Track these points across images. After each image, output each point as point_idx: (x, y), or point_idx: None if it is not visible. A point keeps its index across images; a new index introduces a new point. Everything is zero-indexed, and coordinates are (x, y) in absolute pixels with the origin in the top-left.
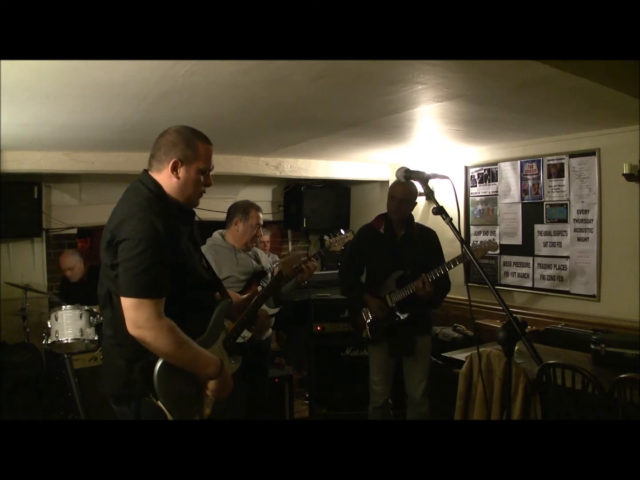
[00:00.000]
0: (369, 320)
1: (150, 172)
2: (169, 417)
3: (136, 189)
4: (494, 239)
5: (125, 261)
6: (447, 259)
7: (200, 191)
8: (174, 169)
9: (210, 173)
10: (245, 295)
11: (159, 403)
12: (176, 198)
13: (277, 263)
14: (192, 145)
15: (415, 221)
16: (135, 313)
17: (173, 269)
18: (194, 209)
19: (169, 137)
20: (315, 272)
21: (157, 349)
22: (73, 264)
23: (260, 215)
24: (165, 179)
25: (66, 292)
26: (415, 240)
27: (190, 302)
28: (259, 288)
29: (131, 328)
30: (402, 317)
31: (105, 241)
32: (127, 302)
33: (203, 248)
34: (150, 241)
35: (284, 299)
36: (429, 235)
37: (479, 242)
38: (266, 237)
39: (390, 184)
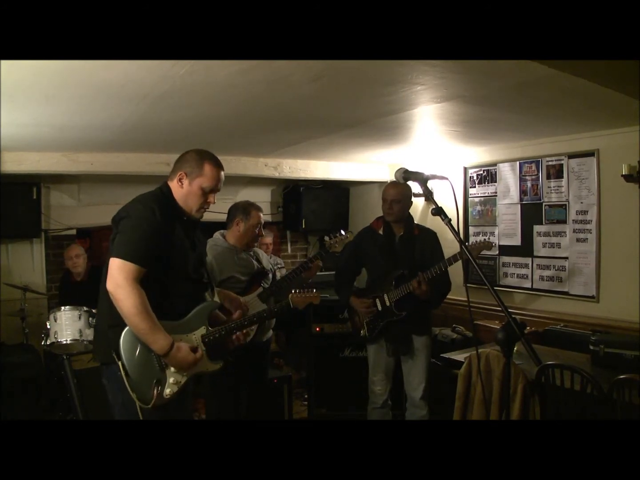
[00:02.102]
0: (366, 320)
1: (167, 181)
2: (124, 378)
3: (152, 190)
4: (488, 239)
5: (121, 232)
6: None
7: (201, 206)
8: (180, 179)
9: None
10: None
11: (119, 363)
12: (181, 205)
13: (282, 266)
14: (199, 163)
15: (416, 222)
16: (117, 272)
17: (162, 256)
18: (200, 220)
19: (186, 154)
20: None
21: (122, 308)
22: (79, 252)
23: (261, 215)
24: (174, 187)
25: (66, 291)
26: (413, 241)
27: (174, 292)
28: (260, 288)
29: (110, 284)
30: (399, 315)
31: (113, 222)
32: (114, 263)
33: None
34: (146, 220)
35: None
36: (429, 236)
37: (475, 241)
38: (269, 239)
39: None
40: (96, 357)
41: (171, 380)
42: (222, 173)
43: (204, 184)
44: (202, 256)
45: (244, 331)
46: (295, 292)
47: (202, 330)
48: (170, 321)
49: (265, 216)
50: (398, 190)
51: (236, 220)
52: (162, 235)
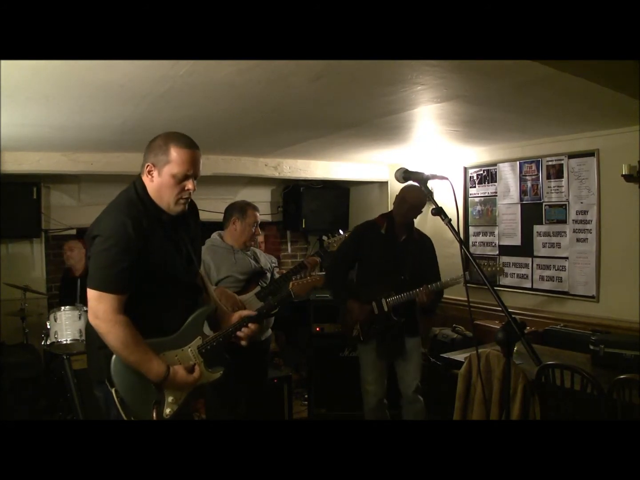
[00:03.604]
0: (360, 322)
1: (141, 175)
2: (119, 405)
3: (126, 189)
4: (502, 266)
5: (93, 255)
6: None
7: (177, 196)
8: (149, 172)
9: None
10: (244, 313)
11: (112, 390)
12: (156, 201)
13: (276, 265)
14: (165, 150)
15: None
16: (95, 304)
17: (144, 268)
18: (182, 212)
19: (152, 142)
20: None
21: (108, 342)
22: (74, 246)
23: (258, 214)
24: (146, 182)
25: (66, 289)
26: (414, 246)
27: (162, 301)
28: (258, 287)
29: (90, 317)
30: (397, 321)
31: (86, 239)
32: (90, 293)
33: (202, 249)
34: (118, 240)
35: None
36: (426, 242)
37: (489, 264)
38: (260, 238)
39: (403, 187)
40: (90, 374)
41: (170, 399)
42: (197, 152)
43: (173, 171)
44: (190, 254)
45: (246, 330)
46: (295, 279)
47: (198, 341)
48: (163, 337)
49: (265, 216)
50: (421, 199)
51: (233, 219)
52: (138, 251)
